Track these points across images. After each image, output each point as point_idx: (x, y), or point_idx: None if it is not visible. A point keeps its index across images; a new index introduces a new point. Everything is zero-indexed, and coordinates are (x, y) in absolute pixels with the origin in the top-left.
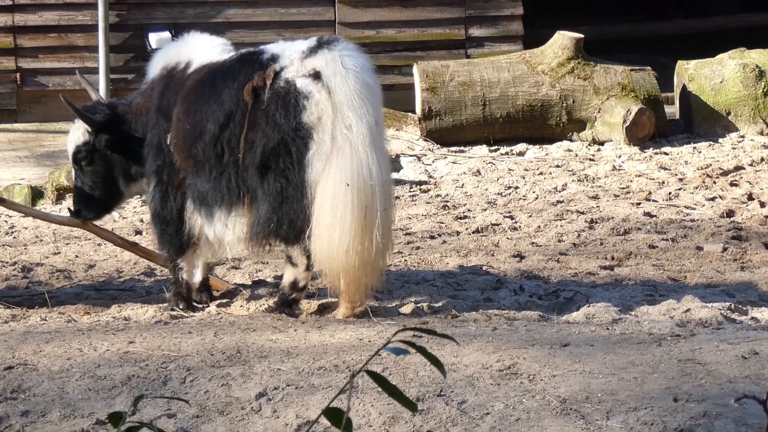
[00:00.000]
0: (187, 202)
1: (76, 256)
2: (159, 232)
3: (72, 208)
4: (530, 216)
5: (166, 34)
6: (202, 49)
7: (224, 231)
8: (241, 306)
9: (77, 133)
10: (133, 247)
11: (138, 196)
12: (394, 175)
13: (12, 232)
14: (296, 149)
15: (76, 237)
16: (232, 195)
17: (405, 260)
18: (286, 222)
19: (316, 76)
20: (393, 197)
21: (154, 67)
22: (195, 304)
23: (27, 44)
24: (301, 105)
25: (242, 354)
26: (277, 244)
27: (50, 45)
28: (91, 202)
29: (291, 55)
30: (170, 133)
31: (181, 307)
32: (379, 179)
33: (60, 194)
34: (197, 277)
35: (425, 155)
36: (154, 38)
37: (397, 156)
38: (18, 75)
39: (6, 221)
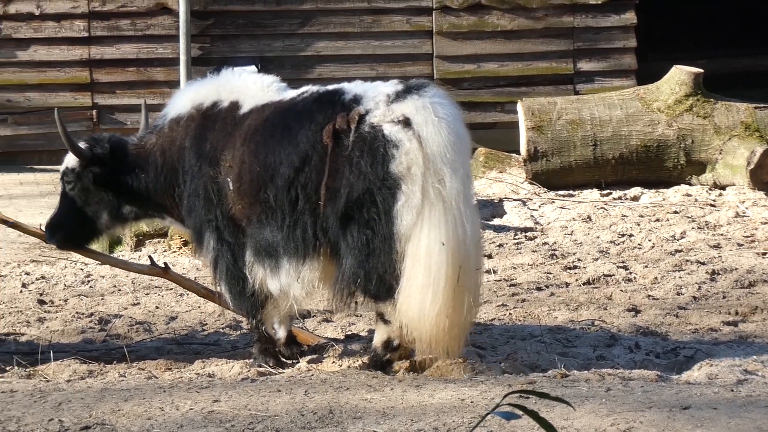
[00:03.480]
0: (247, 252)
1: (157, 307)
2: (237, 290)
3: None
4: (646, 266)
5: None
6: (253, 88)
7: (291, 284)
8: (333, 362)
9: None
10: (217, 297)
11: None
12: (498, 221)
13: (88, 281)
14: (383, 199)
15: (156, 287)
16: (308, 245)
17: (510, 314)
18: (375, 277)
19: (406, 123)
20: (483, 256)
21: (179, 105)
22: (284, 359)
23: (103, 79)
24: (390, 154)
25: (335, 414)
26: (366, 300)
27: (128, 80)
28: (60, 228)
29: (375, 98)
30: (229, 177)
31: (270, 364)
32: (473, 238)
33: (139, 241)
34: (281, 333)
35: (531, 200)
36: None
37: (501, 200)
38: (94, 112)
39: (82, 269)
